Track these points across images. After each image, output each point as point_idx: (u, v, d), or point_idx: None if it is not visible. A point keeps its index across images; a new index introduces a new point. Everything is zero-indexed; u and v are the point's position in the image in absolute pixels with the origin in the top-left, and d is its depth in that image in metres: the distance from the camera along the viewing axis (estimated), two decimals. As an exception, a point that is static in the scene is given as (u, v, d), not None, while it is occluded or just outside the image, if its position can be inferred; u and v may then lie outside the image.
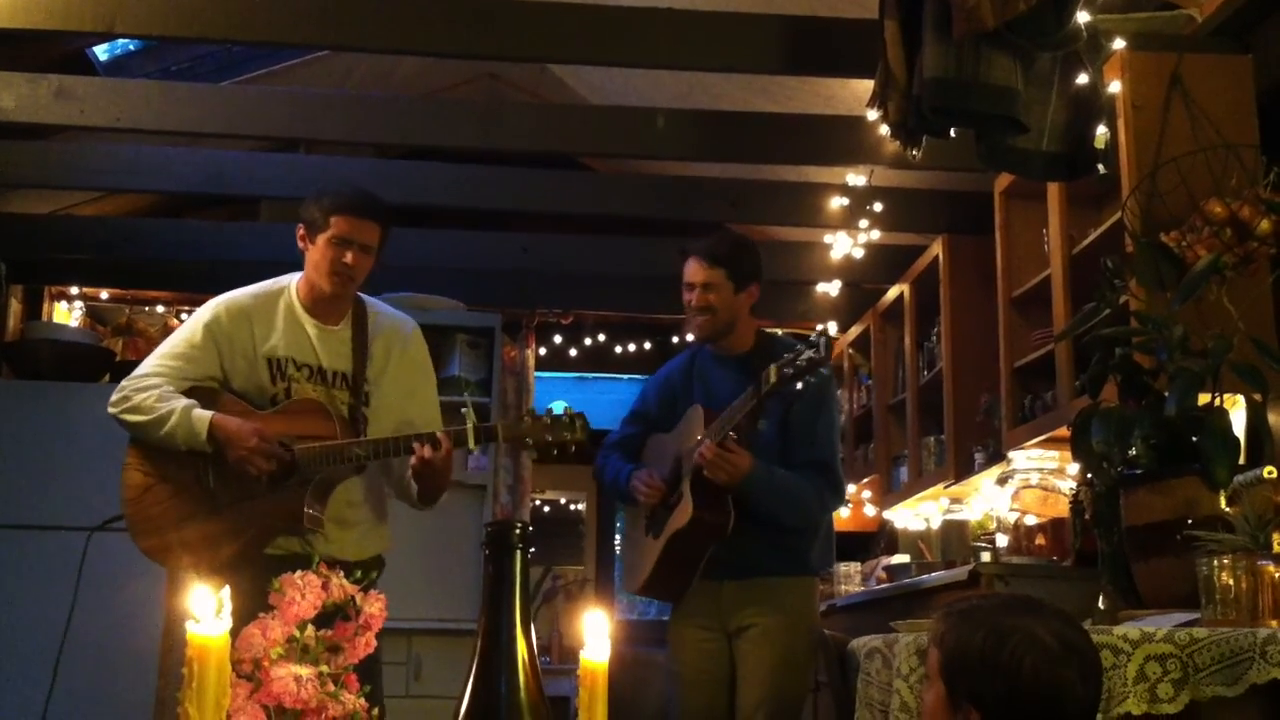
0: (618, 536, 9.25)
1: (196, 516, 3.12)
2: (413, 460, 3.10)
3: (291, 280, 3.34)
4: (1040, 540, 4.20)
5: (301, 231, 3.28)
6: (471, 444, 3.14)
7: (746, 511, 3.36)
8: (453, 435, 3.11)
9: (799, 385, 3.15)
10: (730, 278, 3.53)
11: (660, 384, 3.81)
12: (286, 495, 3.12)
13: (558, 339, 7.37)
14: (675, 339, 7.26)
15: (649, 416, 3.78)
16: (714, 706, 3.49)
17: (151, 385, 3.14)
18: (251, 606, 1.53)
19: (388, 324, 3.39)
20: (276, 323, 3.25)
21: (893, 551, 6.22)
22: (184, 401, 3.11)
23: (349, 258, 3.20)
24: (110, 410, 3.16)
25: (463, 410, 3.14)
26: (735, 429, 3.31)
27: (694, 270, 3.56)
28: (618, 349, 7.60)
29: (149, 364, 3.21)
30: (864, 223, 5.27)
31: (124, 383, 3.18)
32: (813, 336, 3.16)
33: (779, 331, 6.83)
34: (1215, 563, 2.30)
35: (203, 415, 3.09)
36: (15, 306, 6.18)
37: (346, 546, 3.19)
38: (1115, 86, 3.44)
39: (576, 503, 8.85)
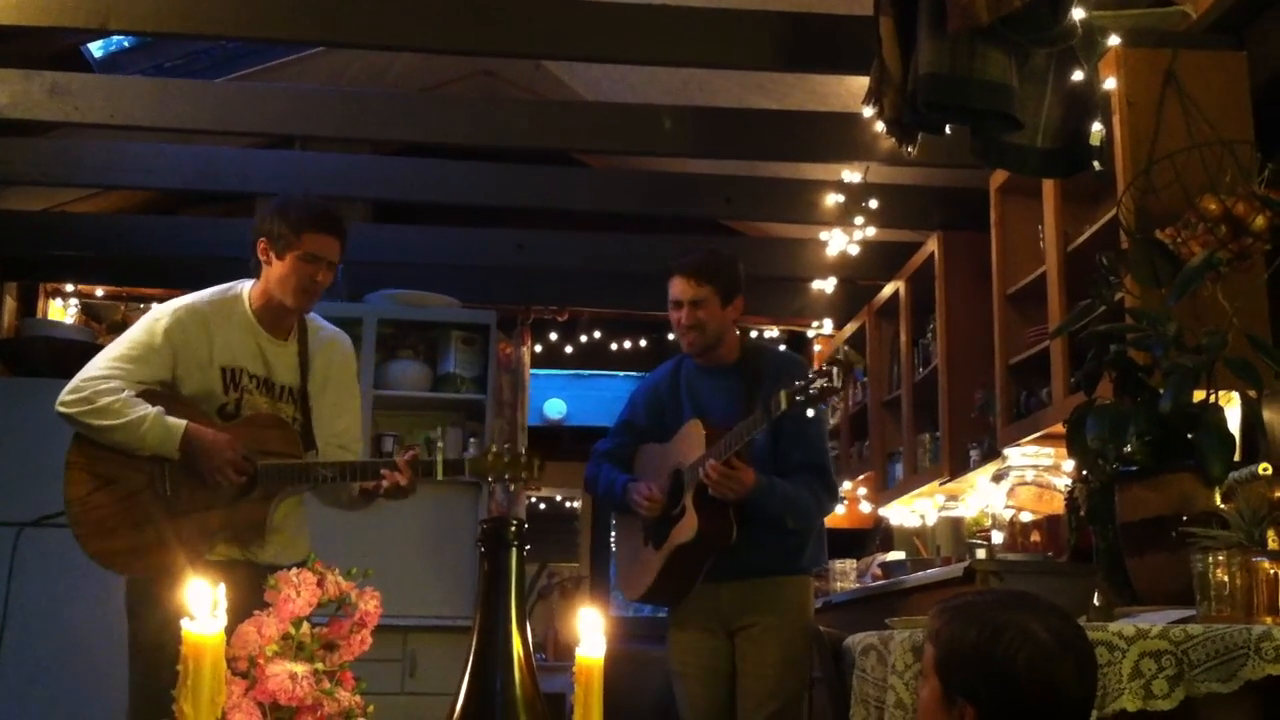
0: (612, 534, 9.25)
1: (149, 522, 3.10)
2: (384, 485, 3.23)
3: (243, 288, 3.33)
4: (1035, 537, 4.20)
5: (263, 245, 3.25)
6: (440, 475, 3.28)
7: (748, 519, 3.42)
8: (421, 466, 3.24)
9: (810, 412, 3.22)
10: (718, 294, 3.58)
11: (647, 394, 3.85)
12: (248, 506, 3.17)
13: (553, 335, 7.37)
14: (670, 336, 7.25)
15: (638, 427, 3.82)
16: (719, 703, 3.55)
17: (114, 388, 3.09)
18: None
19: (326, 339, 3.44)
20: (233, 332, 3.25)
21: (888, 548, 6.22)
22: (154, 408, 3.09)
23: (320, 275, 3.25)
24: (64, 410, 3.09)
25: (439, 444, 3.31)
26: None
27: (682, 288, 3.59)
28: (613, 346, 7.60)
29: (103, 365, 3.16)
30: (859, 219, 5.27)
31: (78, 383, 3.11)
32: (824, 365, 3.17)
33: (775, 330, 6.86)
34: (1210, 559, 2.30)
35: (176, 423, 3.08)
36: (10, 304, 6.17)
37: (279, 552, 3.23)
38: (1110, 83, 3.45)
39: (572, 500, 8.85)
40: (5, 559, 4.93)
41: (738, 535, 3.42)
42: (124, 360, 3.16)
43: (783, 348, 6.31)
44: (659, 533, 3.56)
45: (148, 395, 3.13)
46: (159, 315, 3.23)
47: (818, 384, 3.14)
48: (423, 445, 3.36)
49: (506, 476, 3.37)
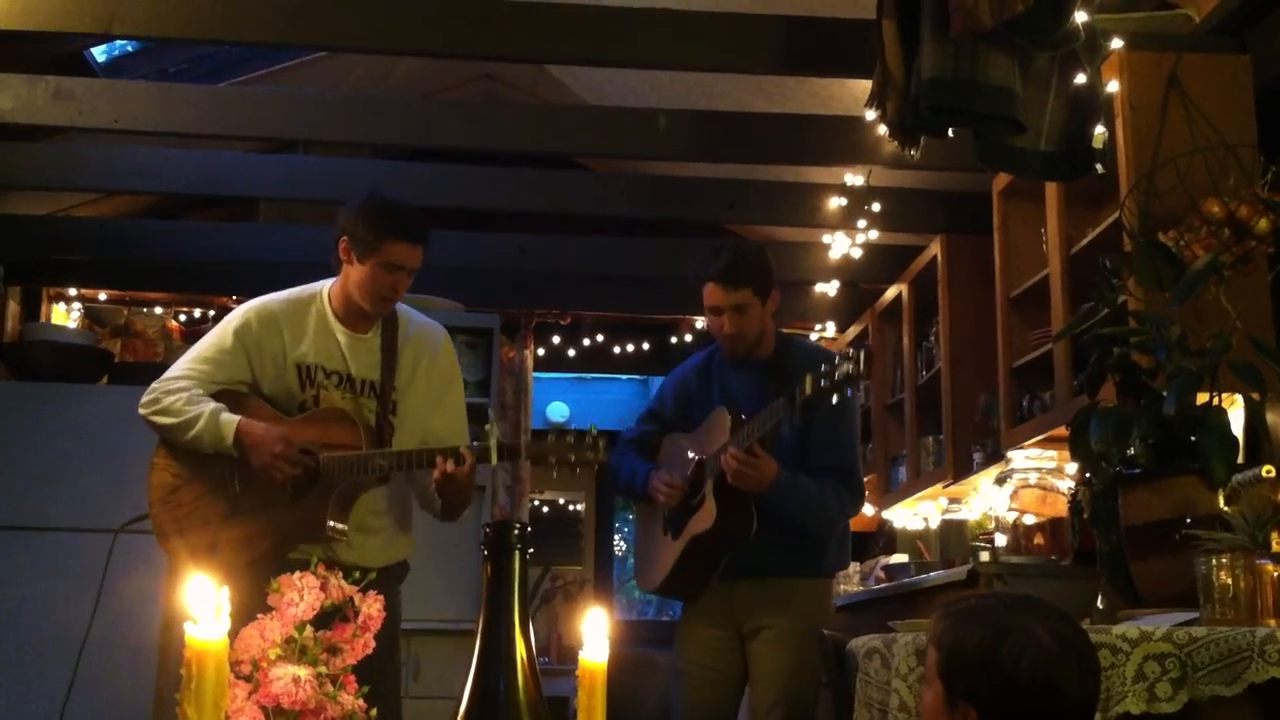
0: (616, 537, 9.25)
1: (221, 520, 3.13)
2: (435, 474, 3.08)
3: (323, 287, 3.31)
4: (1039, 540, 4.20)
5: (345, 244, 3.21)
6: (494, 460, 3.10)
7: (768, 516, 3.34)
8: (476, 451, 3.08)
9: (834, 398, 3.09)
10: (756, 293, 3.48)
11: (676, 384, 3.77)
12: (309, 504, 3.11)
13: (556, 339, 7.37)
14: (674, 339, 7.26)
15: (664, 416, 3.76)
16: (720, 706, 3.49)
17: (181, 388, 3.14)
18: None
19: (417, 332, 3.38)
20: (307, 329, 3.24)
21: (891, 551, 6.22)
22: (212, 405, 3.11)
23: (400, 284, 3.22)
24: (140, 412, 3.17)
25: (486, 427, 3.13)
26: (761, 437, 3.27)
27: (720, 295, 3.47)
28: (616, 349, 7.60)
29: (179, 367, 3.21)
30: (862, 223, 5.27)
31: (154, 385, 3.18)
32: (850, 350, 3.04)
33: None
34: (1214, 562, 2.30)
35: (230, 419, 3.09)
36: (13, 308, 6.17)
37: (370, 553, 3.16)
38: (1113, 86, 3.44)
39: (575, 503, 8.86)
40: (10, 564, 4.93)
41: (759, 536, 3.33)
42: (199, 362, 3.20)
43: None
44: (678, 522, 3.49)
45: (227, 395, 3.16)
46: (232, 316, 3.26)
47: (843, 368, 3.02)
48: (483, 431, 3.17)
49: (572, 459, 3.10)
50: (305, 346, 3.22)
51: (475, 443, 3.13)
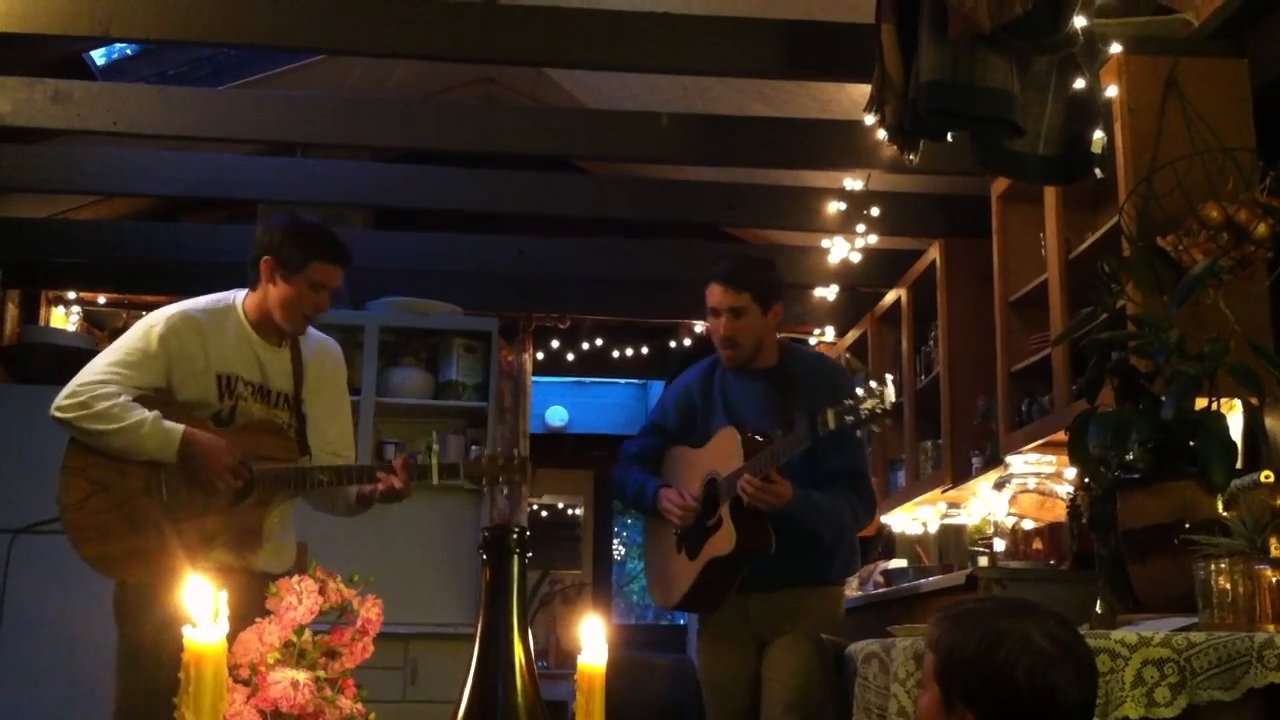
0: (615, 541, 9.25)
1: (147, 526, 3.10)
2: (380, 487, 3.26)
3: (237, 297, 3.34)
4: (1037, 544, 4.19)
5: (268, 262, 3.25)
6: (435, 480, 3.34)
7: (782, 532, 3.38)
8: (416, 470, 3.29)
9: (858, 433, 3.19)
10: (756, 300, 3.52)
11: (679, 396, 3.77)
12: (244, 511, 3.17)
13: (555, 343, 7.37)
14: (673, 343, 7.26)
15: (668, 428, 3.76)
16: (746, 711, 3.56)
17: (111, 393, 3.08)
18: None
19: (317, 345, 3.47)
20: (227, 339, 3.26)
21: (890, 556, 6.21)
22: (150, 412, 3.09)
23: (322, 302, 3.29)
24: (60, 414, 3.08)
25: (434, 447, 3.43)
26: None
27: (720, 295, 3.52)
28: (615, 353, 7.60)
29: (100, 370, 3.14)
30: (861, 227, 5.27)
31: (75, 387, 3.10)
32: (874, 385, 3.08)
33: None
34: (1212, 566, 2.30)
35: (175, 427, 3.08)
36: (12, 311, 6.17)
37: (270, 560, 3.24)
38: (1112, 90, 3.45)
39: (574, 507, 8.85)
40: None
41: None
42: (121, 366, 3.15)
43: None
44: (693, 542, 3.52)
45: (143, 401, 3.13)
46: (154, 322, 3.22)
47: (868, 404, 3.06)
48: (425, 451, 3.38)
49: (501, 480, 3.45)
50: (226, 357, 3.24)
51: (417, 459, 3.37)
